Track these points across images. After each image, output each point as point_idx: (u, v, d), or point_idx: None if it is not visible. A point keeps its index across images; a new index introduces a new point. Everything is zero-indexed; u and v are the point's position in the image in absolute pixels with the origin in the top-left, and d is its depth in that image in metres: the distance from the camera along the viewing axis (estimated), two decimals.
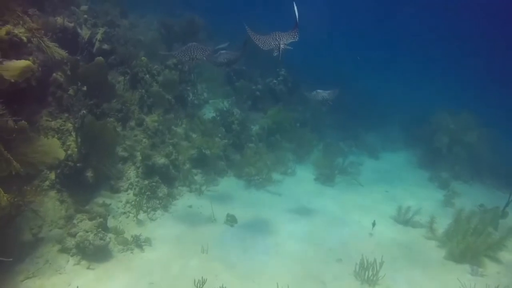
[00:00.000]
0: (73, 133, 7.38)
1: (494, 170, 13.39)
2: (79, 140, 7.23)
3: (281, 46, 6.52)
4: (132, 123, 8.99)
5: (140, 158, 8.62)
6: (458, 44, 31.89)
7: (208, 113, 12.49)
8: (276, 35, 6.70)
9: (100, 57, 7.45)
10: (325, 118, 15.66)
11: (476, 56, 30.48)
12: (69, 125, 7.62)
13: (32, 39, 6.19)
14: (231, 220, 8.18)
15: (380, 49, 30.61)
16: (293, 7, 6.32)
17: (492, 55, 30.35)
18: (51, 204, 7.10)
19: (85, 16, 9.87)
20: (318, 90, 9.26)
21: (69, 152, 7.26)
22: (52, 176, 7.24)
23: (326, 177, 11.34)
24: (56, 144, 6.18)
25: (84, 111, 7.48)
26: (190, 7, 15.11)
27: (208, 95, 13.22)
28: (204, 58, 7.13)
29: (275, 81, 13.68)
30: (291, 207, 9.30)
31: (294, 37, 6.67)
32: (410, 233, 8.70)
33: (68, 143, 7.49)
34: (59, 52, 5.86)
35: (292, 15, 6.48)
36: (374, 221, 8.54)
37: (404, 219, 9.09)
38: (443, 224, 8.76)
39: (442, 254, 7.86)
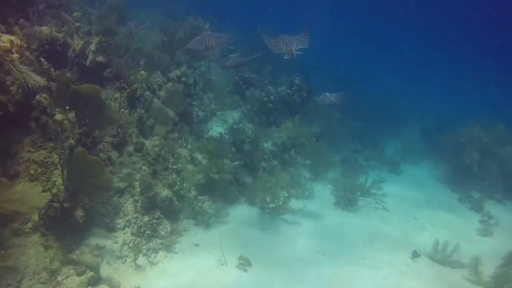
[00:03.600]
0: (59, 167, 6.26)
1: None
2: (65, 176, 6.11)
3: (293, 51, 6.95)
4: (130, 148, 7.84)
5: (139, 189, 7.50)
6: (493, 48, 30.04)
7: (216, 127, 11.33)
8: (286, 40, 7.15)
9: (96, 86, 6.27)
10: (340, 128, 14.46)
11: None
12: (55, 157, 6.51)
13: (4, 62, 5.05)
14: (244, 263, 7.05)
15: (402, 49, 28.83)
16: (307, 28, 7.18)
17: None
18: (33, 251, 6.02)
19: (77, 24, 8.74)
20: (326, 94, 9.21)
21: (54, 190, 6.14)
22: (36, 217, 6.16)
23: (347, 201, 10.16)
24: (34, 191, 5.09)
25: (72, 141, 6.36)
26: (193, 8, 13.88)
27: (215, 106, 12.07)
28: (222, 41, 7.67)
29: (288, 91, 12.42)
30: (311, 242, 8.14)
31: (303, 43, 7.13)
32: (450, 276, 7.52)
33: (53, 179, 6.38)
34: (35, 79, 4.70)
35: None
36: (416, 251, 7.96)
37: (441, 257, 7.92)
38: (484, 260, 7.64)
39: None
